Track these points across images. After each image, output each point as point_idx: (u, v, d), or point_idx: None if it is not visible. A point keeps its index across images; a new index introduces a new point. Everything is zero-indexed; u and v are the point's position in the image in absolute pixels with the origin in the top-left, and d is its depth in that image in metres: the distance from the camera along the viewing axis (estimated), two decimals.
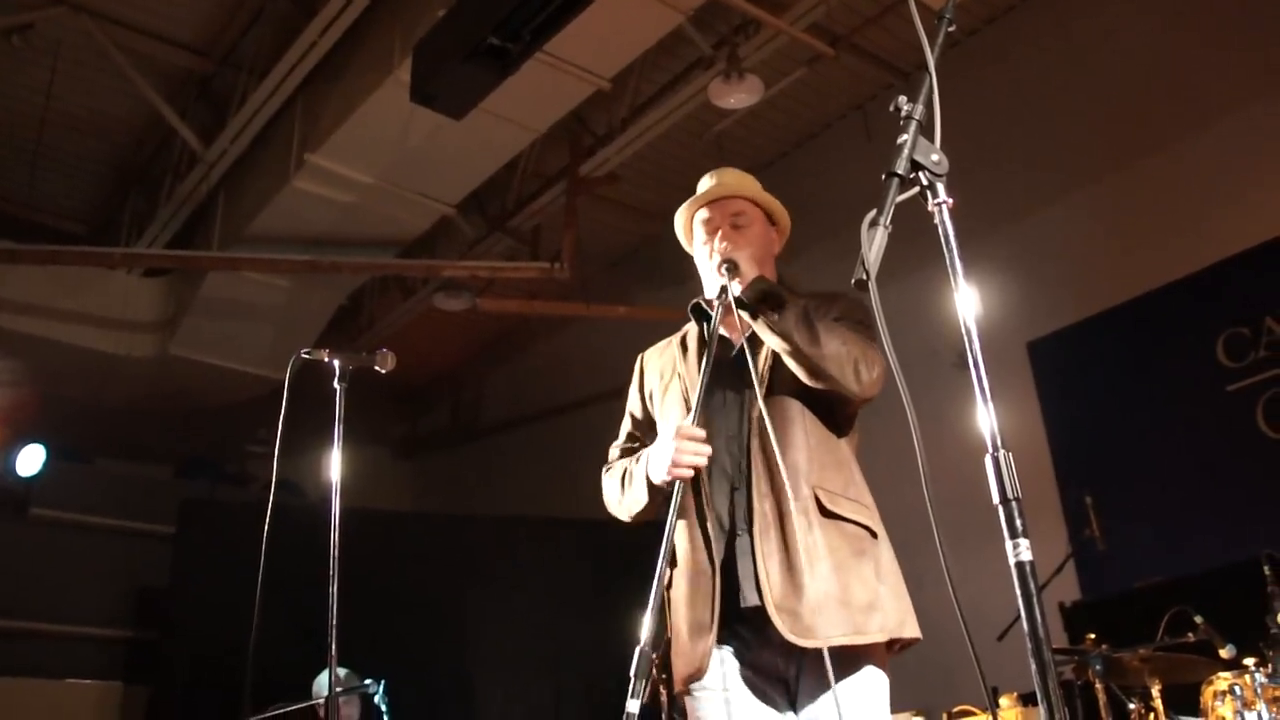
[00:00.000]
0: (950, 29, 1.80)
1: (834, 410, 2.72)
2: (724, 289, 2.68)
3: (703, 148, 8.41)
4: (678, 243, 3.05)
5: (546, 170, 8.80)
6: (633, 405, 3.03)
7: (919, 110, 1.66)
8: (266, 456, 10.67)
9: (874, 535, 2.65)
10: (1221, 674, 4.04)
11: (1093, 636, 4.50)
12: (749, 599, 2.56)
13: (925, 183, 1.62)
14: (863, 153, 7.94)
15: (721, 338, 2.79)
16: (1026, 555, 1.45)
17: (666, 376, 2.92)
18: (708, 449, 2.60)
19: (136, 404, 10.13)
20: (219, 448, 11.47)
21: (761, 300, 2.65)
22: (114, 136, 8.89)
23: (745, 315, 2.67)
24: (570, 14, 5.44)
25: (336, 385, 3.63)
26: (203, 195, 8.54)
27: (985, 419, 1.53)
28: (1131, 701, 4.40)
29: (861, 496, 2.70)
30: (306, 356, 3.71)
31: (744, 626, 2.60)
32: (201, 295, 9.02)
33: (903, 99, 1.67)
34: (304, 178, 7.76)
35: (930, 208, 1.62)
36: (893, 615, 2.58)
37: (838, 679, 2.42)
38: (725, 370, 2.75)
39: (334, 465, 3.60)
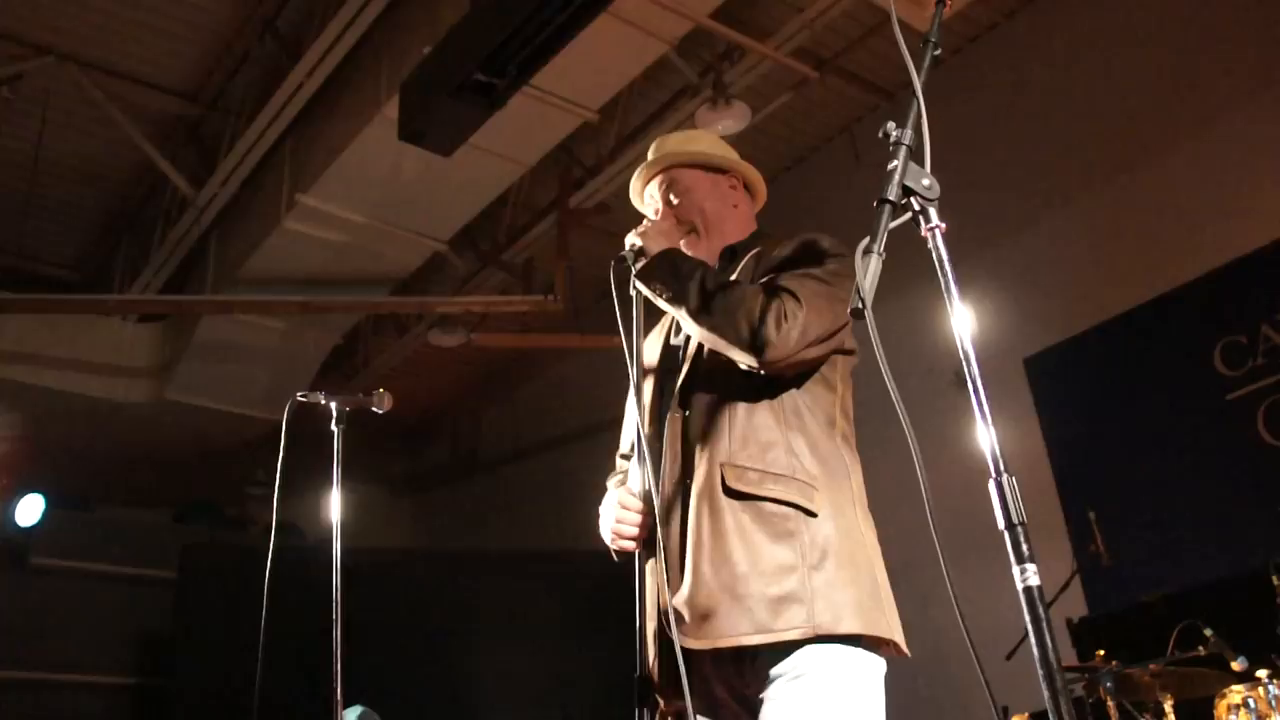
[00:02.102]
0: (936, 52, 1.80)
1: (765, 378, 2.37)
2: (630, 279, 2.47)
3: None
4: None
5: (537, 203, 8.81)
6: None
7: (908, 135, 1.65)
8: (266, 499, 10.69)
9: (809, 514, 2.25)
10: (1234, 687, 4.00)
11: (1102, 653, 4.44)
12: (664, 607, 2.28)
13: (917, 208, 1.61)
14: (851, 175, 7.98)
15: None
16: (1034, 580, 1.42)
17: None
18: (637, 518, 2.38)
19: (134, 450, 10.12)
20: (218, 491, 11.43)
21: (655, 275, 2.42)
22: (105, 184, 8.90)
23: (649, 296, 2.45)
24: (556, 47, 5.45)
25: (334, 428, 3.61)
26: (194, 239, 8.55)
27: (987, 443, 1.51)
28: (1144, 718, 4.36)
29: (797, 470, 2.29)
30: (303, 399, 3.67)
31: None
32: (196, 339, 9.03)
33: (891, 124, 1.66)
34: (295, 218, 7.76)
35: (923, 233, 1.61)
36: (824, 608, 2.15)
37: (777, 682, 2.15)
38: (674, 362, 2.55)
39: (334, 507, 3.57)
